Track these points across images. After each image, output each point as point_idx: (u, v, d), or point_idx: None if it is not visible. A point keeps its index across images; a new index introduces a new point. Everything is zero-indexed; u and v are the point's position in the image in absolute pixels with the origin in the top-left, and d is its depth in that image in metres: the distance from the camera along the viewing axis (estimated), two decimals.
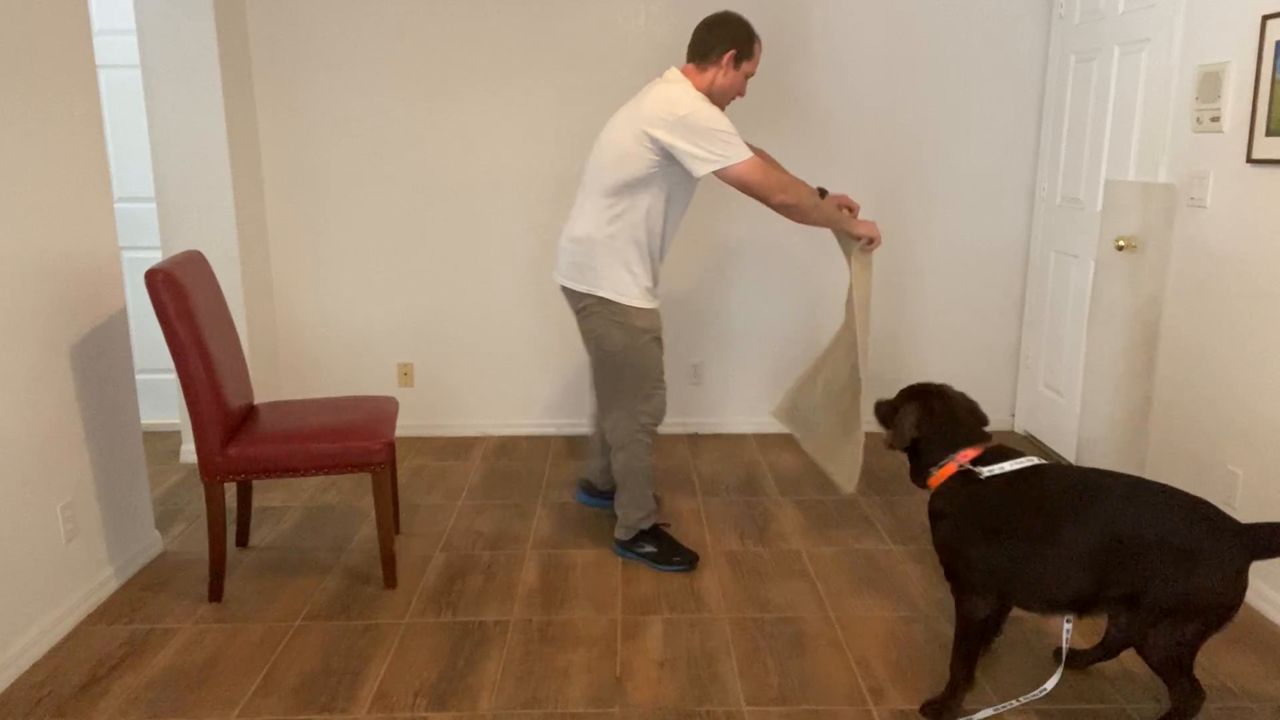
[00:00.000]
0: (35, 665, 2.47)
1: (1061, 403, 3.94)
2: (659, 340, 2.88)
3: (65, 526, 2.64)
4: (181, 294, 2.62)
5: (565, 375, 4.31)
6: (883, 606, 2.74)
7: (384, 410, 2.99)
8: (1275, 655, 2.50)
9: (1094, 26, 3.67)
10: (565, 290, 2.91)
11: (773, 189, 2.67)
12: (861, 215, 4.12)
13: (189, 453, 4.00)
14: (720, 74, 2.74)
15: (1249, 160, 2.75)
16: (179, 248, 3.82)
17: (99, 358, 2.82)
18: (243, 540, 3.18)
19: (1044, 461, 2.19)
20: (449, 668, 2.46)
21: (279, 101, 4.05)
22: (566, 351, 4.28)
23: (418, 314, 4.26)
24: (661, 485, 3.71)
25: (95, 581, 2.78)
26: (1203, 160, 2.98)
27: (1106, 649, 2.37)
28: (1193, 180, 3.03)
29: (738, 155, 2.64)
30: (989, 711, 2.23)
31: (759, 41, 2.78)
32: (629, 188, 2.72)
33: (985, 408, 2.31)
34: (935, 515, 2.27)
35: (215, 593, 2.80)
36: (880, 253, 4.20)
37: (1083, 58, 3.76)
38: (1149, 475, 3.28)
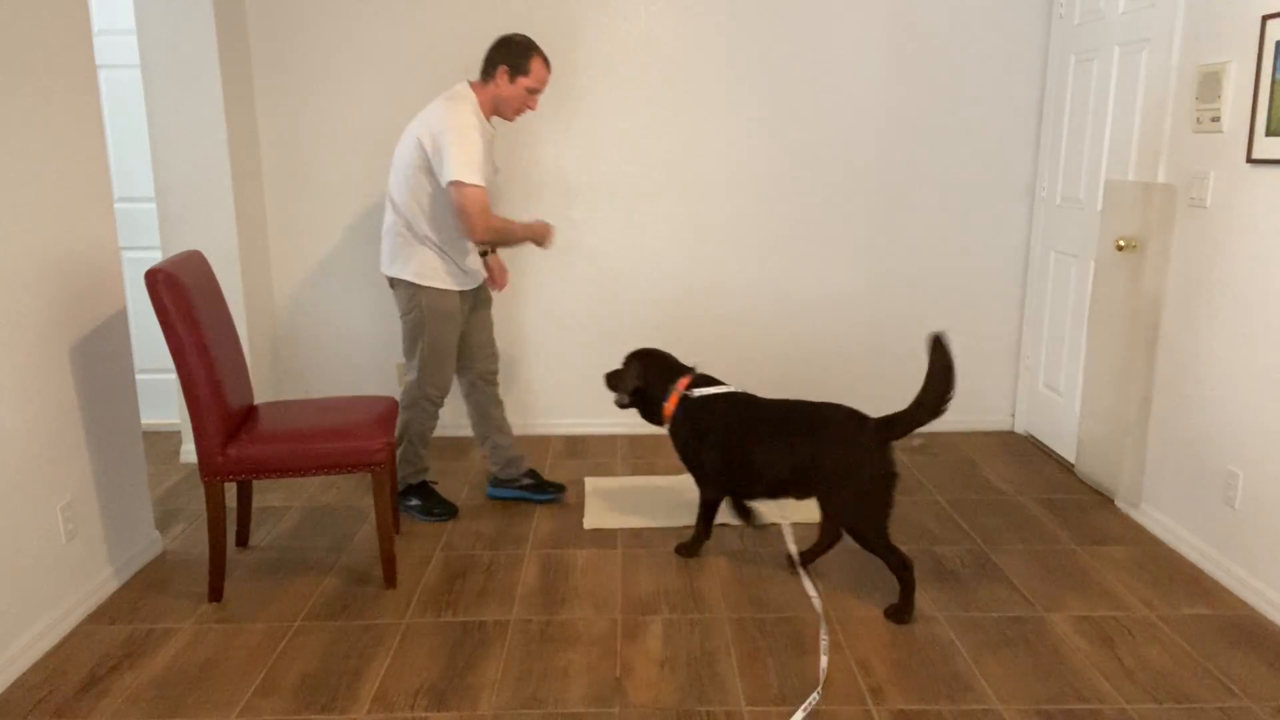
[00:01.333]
0: (35, 665, 2.47)
1: (1061, 403, 3.94)
2: (453, 323, 3.22)
3: (65, 526, 2.64)
4: (181, 294, 2.62)
5: (565, 375, 4.31)
6: (883, 606, 2.74)
7: (384, 410, 2.99)
8: (1275, 655, 2.50)
9: (1094, 26, 3.67)
10: (385, 275, 3.25)
11: (478, 229, 3.02)
12: (863, 214, 4.17)
13: (189, 453, 4.00)
14: (498, 88, 3.09)
15: (1249, 160, 2.75)
16: (179, 248, 3.81)
17: (99, 358, 2.82)
18: (243, 540, 3.18)
19: (741, 391, 2.95)
20: (449, 668, 2.46)
21: (279, 101, 4.05)
22: (567, 352, 4.28)
23: None
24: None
25: (95, 581, 2.78)
26: (1203, 160, 2.98)
27: (822, 543, 2.95)
28: (1193, 180, 3.03)
29: (468, 180, 2.94)
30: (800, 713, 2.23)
31: (539, 58, 3.10)
32: (410, 186, 3.07)
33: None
34: (674, 435, 3.00)
35: (215, 593, 2.81)
36: (880, 253, 4.21)
37: (1083, 58, 3.76)
38: (1149, 475, 3.29)
